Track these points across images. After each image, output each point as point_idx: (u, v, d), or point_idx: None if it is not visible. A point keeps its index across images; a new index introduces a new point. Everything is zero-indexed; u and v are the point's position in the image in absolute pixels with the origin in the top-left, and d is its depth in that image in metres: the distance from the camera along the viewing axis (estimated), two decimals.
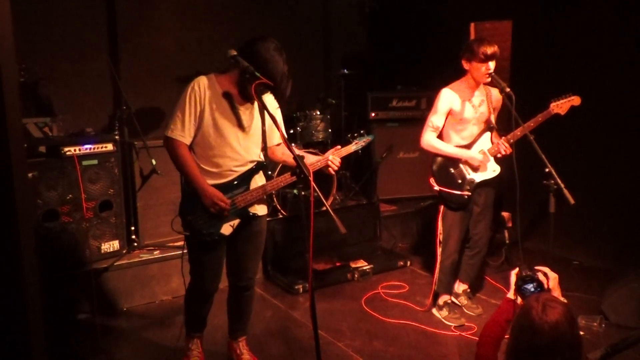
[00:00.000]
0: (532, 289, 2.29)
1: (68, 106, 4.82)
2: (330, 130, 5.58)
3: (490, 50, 3.46)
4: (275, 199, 4.92)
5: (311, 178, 2.44)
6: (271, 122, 2.74)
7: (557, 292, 2.30)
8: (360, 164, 6.05)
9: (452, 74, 3.77)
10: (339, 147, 3.00)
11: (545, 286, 2.30)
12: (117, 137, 4.21)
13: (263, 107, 2.75)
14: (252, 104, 2.89)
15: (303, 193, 4.62)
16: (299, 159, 2.49)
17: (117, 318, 3.99)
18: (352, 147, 3.05)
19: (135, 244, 4.36)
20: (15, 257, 1.96)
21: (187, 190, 2.88)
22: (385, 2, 6.69)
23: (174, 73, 5.12)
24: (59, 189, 3.88)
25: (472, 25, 5.05)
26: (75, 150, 3.92)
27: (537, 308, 1.76)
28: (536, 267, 2.34)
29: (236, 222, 2.91)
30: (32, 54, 4.61)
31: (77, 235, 3.96)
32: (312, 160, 2.94)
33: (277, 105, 2.98)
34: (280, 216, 4.94)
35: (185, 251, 3.02)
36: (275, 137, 3.04)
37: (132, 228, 4.39)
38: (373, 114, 5.85)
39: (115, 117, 4.54)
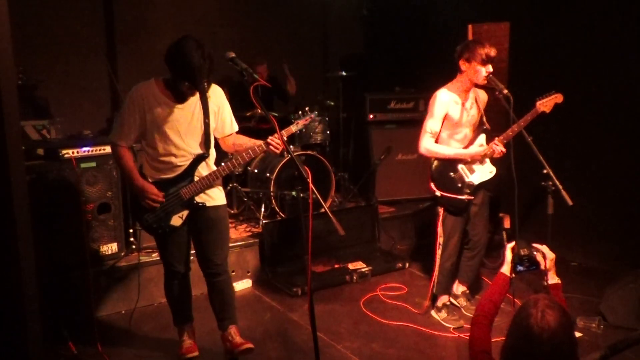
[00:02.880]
0: (527, 269, 2.27)
1: (66, 108, 4.83)
2: (328, 132, 5.58)
3: (492, 52, 3.46)
4: (273, 201, 4.92)
5: (310, 180, 2.45)
6: (218, 114, 3.12)
7: (552, 272, 2.31)
8: (359, 165, 6.06)
9: (450, 75, 3.77)
10: (284, 132, 3.07)
11: (542, 267, 2.29)
12: None
13: (263, 110, 2.80)
14: (190, 102, 3.03)
15: (301, 195, 4.61)
16: (297, 160, 2.49)
17: (116, 321, 3.98)
18: (293, 128, 3.17)
19: (134, 247, 4.35)
20: (13, 259, 1.96)
21: (133, 191, 3.12)
22: (383, 4, 6.70)
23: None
24: (57, 191, 3.86)
25: (470, 26, 5.06)
26: (73, 152, 3.91)
27: (536, 316, 1.75)
28: (534, 245, 2.31)
29: (184, 213, 3.10)
30: (30, 56, 4.61)
31: (75, 237, 3.95)
32: (250, 145, 3.10)
33: (224, 98, 3.17)
34: (279, 218, 4.94)
35: None
36: (226, 128, 3.21)
37: (131, 230, 4.38)
38: (371, 116, 5.86)
39: (113, 120, 4.54)
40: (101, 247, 4.12)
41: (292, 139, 5.32)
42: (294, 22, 6.41)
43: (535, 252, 2.30)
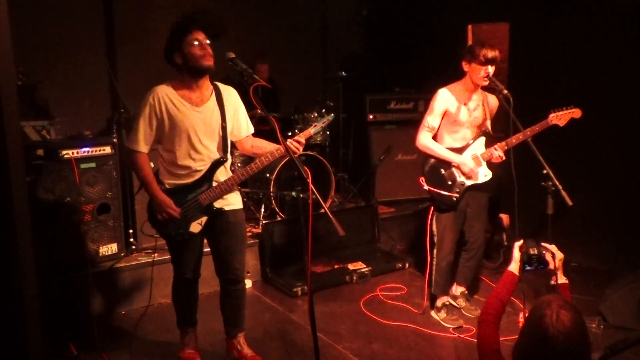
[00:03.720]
0: (535, 268, 2.29)
1: (66, 109, 4.83)
2: (328, 132, 5.58)
3: (491, 54, 3.47)
4: (273, 202, 4.92)
5: (309, 181, 2.45)
6: (234, 117, 3.07)
7: (560, 272, 2.32)
8: (359, 166, 6.06)
9: (450, 76, 3.78)
10: (300, 135, 2.99)
11: (552, 267, 2.29)
12: (115, 140, 4.20)
13: (263, 111, 2.77)
14: (207, 105, 2.99)
15: (301, 195, 4.61)
16: (297, 161, 2.49)
17: (116, 321, 3.98)
18: (311, 130, 3.06)
19: (134, 247, 4.35)
20: (13, 260, 1.96)
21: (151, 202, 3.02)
22: (383, 4, 6.70)
23: (172, 76, 5.13)
24: (57, 192, 3.87)
25: (470, 27, 5.06)
26: (73, 153, 3.91)
27: (550, 317, 1.74)
28: (543, 245, 2.32)
29: (203, 219, 3.03)
30: (30, 57, 4.61)
31: (75, 238, 3.95)
32: (270, 149, 3.02)
33: (240, 100, 3.14)
34: (279, 219, 4.93)
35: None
36: (243, 130, 3.16)
37: (130, 231, 4.38)
38: (371, 116, 5.86)
39: (113, 120, 4.54)
40: (101, 247, 4.12)
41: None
42: (294, 23, 6.41)
43: (544, 252, 2.31)
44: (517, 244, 2.34)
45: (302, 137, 2.96)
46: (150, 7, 5.39)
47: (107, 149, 4.11)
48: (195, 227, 3.02)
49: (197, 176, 3.00)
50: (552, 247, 2.33)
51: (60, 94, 4.86)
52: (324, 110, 5.38)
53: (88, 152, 4.00)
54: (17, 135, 1.99)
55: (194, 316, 3.39)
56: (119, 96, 4.43)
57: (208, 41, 2.89)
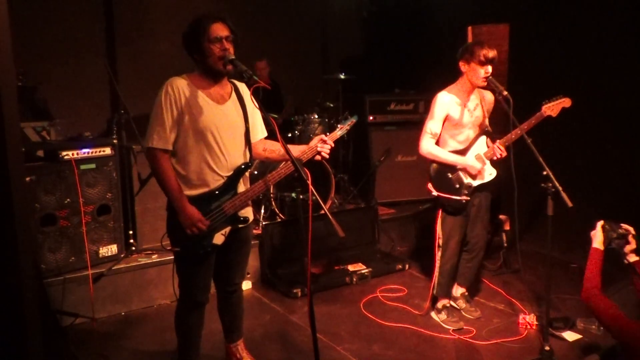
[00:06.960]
0: (617, 245, 2.61)
1: (66, 110, 4.83)
2: (328, 133, 5.57)
3: (491, 53, 3.47)
4: (273, 203, 4.92)
5: (309, 182, 2.44)
6: (253, 117, 2.83)
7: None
8: (359, 167, 6.07)
9: (449, 77, 3.77)
10: (323, 136, 2.85)
11: (634, 246, 2.56)
12: (115, 141, 4.20)
13: (263, 112, 2.70)
14: (230, 101, 2.77)
15: (301, 197, 4.61)
16: (297, 162, 2.47)
17: (115, 322, 3.98)
18: (338, 133, 2.93)
19: (133, 248, 4.35)
20: (13, 261, 1.96)
21: (173, 212, 2.72)
22: (383, 5, 6.72)
23: (172, 76, 5.13)
24: (57, 193, 3.87)
25: (470, 28, 5.07)
26: (73, 154, 3.91)
27: None
28: (624, 226, 2.60)
29: (227, 229, 2.79)
30: (30, 58, 4.62)
31: (75, 239, 3.95)
32: (299, 150, 2.81)
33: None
34: (279, 220, 4.94)
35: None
36: (258, 132, 2.93)
37: (130, 232, 4.38)
38: (371, 118, 5.87)
39: (113, 121, 4.54)
40: (101, 248, 4.12)
41: (291, 140, 5.33)
42: (294, 24, 6.42)
43: (627, 233, 2.60)
44: (600, 224, 2.68)
45: (331, 140, 2.82)
46: (150, 8, 5.40)
47: (107, 150, 4.11)
48: (219, 238, 2.76)
49: (219, 183, 2.72)
50: (631, 229, 2.60)
51: (60, 95, 4.86)
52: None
53: (88, 153, 4.00)
54: (17, 136, 1.99)
55: (198, 345, 3.07)
56: (119, 97, 4.43)
57: (231, 36, 2.69)
